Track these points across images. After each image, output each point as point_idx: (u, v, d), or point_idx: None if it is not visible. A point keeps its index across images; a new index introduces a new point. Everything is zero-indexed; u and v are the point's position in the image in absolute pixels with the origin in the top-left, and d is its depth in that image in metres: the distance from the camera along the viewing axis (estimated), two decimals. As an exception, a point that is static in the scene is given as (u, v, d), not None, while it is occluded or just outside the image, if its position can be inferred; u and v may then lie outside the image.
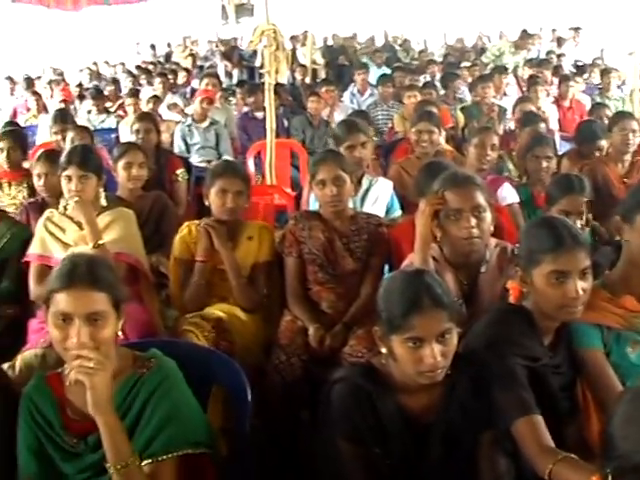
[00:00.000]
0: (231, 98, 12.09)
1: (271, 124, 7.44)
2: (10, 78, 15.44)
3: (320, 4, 13.67)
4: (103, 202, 4.63)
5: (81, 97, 12.75)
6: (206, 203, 4.54)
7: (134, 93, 10.62)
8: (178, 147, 8.65)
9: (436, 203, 3.67)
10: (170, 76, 13.51)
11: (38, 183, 5.48)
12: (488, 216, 3.64)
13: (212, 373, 3.01)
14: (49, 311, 2.63)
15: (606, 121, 7.03)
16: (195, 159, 8.43)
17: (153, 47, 21.45)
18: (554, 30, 18.37)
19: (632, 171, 6.12)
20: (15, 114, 12.77)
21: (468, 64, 14.78)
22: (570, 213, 4.34)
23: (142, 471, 2.52)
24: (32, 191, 6.27)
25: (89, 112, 11.05)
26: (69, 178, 4.52)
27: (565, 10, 18.43)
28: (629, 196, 3.36)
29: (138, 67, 16.79)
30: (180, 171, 6.72)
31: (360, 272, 4.42)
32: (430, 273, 2.84)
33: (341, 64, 16.63)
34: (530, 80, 10.70)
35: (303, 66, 14.22)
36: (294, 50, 15.95)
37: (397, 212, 5.46)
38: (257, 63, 8.21)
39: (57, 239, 4.48)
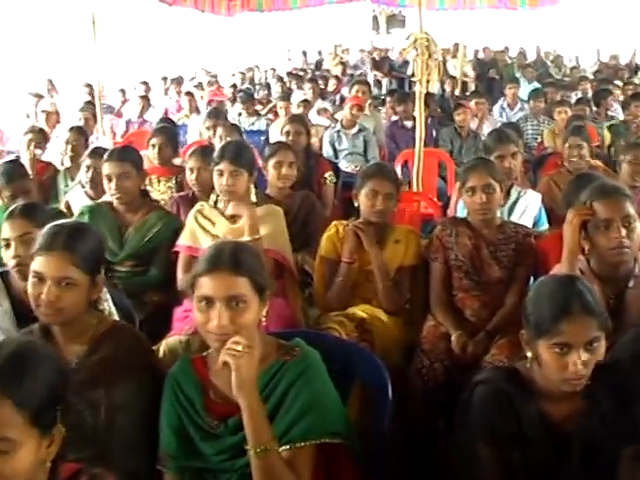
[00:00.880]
0: (380, 107, 12.17)
1: (420, 133, 7.42)
2: (165, 78, 15.86)
3: (472, 17, 13.58)
4: (253, 198, 4.71)
5: (233, 100, 13.04)
6: (355, 204, 4.57)
7: (286, 96, 10.83)
8: (326, 152, 8.71)
9: (584, 214, 3.60)
10: (320, 82, 13.68)
11: (190, 177, 5.63)
12: (638, 227, 3.55)
13: (354, 368, 3.02)
14: (194, 295, 2.68)
15: None
16: (343, 165, 8.46)
17: (304, 54, 21.75)
18: None
19: None
20: (166, 113, 13.11)
21: (621, 83, 14.45)
22: None
23: (281, 456, 2.55)
24: (180, 187, 6.45)
25: (239, 114, 11.33)
26: (221, 172, 4.58)
27: None
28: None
29: (289, 73, 17.05)
30: (328, 174, 6.77)
31: (505, 281, 4.37)
32: (581, 280, 2.80)
33: (491, 77, 16.52)
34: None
35: (453, 78, 14.14)
36: (444, 62, 15.89)
37: (544, 225, 5.40)
38: (409, 72, 8.17)
39: (207, 231, 4.58)
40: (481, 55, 19.40)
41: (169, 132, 7.12)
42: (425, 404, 4.02)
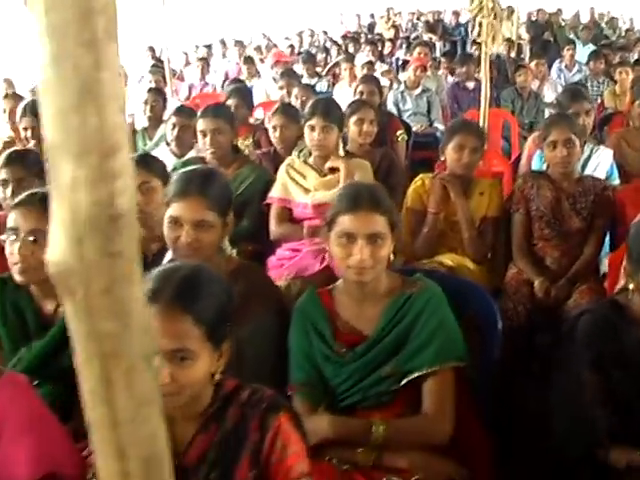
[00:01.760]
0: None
1: (486, 93, 7.55)
2: (223, 42, 16.08)
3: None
4: (341, 152, 4.93)
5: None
6: (441, 158, 4.78)
7: (350, 58, 10.99)
8: (390, 112, 8.87)
9: None
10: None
11: (274, 135, 5.84)
12: None
13: (464, 302, 3.20)
14: (332, 231, 2.89)
15: None
16: (407, 125, 8.63)
17: (358, 17, 21.83)
18: None
19: None
20: (227, 77, 13.30)
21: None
22: None
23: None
24: (257, 145, 6.68)
25: (301, 76, 11.49)
26: (312, 127, 4.79)
27: None
28: None
29: (344, 36, 17.18)
30: (400, 132, 6.97)
31: (584, 231, 4.55)
32: None
33: (546, 40, 16.54)
34: None
35: (508, 40, 14.21)
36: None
37: (616, 180, 5.53)
38: (474, 33, 8.29)
39: (298, 184, 4.81)
40: (534, 17, 19.38)
41: (243, 92, 7.38)
42: (508, 343, 4.25)
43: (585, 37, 15.42)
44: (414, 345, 2.83)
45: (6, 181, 4.13)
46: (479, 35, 7.88)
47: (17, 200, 2.99)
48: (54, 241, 0.82)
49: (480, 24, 7.64)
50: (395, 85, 9.83)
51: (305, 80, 11.23)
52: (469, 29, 15.97)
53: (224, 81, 11.93)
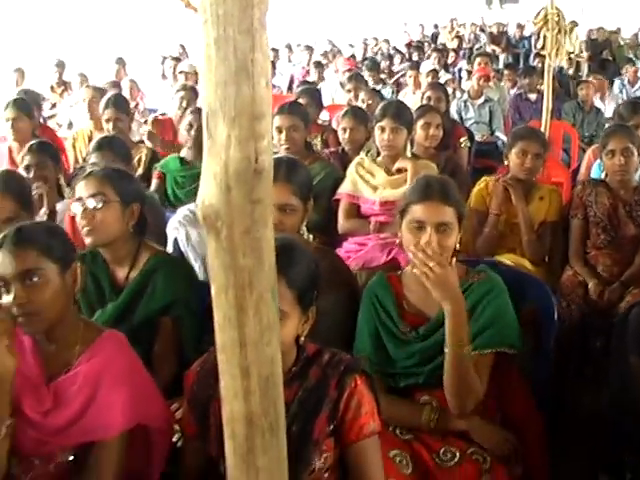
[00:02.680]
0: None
1: (548, 105, 7.72)
2: (289, 46, 16.36)
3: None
4: (408, 154, 5.17)
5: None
6: (505, 162, 5.00)
7: (415, 66, 11.22)
8: (452, 121, 9.08)
9: None
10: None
11: (343, 136, 6.07)
12: None
13: (525, 294, 3.42)
14: (404, 219, 3.12)
15: None
16: (468, 133, 8.83)
17: (422, 27, 22.02)
18: None
19: None
20: (292, 80, 13.55)
21: None
22: None
23: (471, 358, 2.94)
24: (325, 144, 6.93)
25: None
26: (383, 129, 5.04)
27: None
28: None
29: (408, 45, 17.39)
30: (463, 139, 7.17)
31: (638, 239, 4.76)
32: None
33: (605, 58, 16.58)
34: None
35: (570, 54, 14.29)
36: (561, 39, 16.00)
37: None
38: (538, 45, 8.46)
39: (367, 182, 5.06)
40: (594, 36, 19.36)
41: (313, 93, 7.64)
42: (560, 343, 4.45)
43: (644, 57, 15.49)
44: (473, 330, 3.00)
45: (94, 165, 4.44)
46: (543, 48, 8.07)
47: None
48: (205, 188, 1.05)
49: (545, 37, 7.81)
50: (458, 94, 10.04)
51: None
52: (532, 42, 16.07)
53: (289, 84, 12.17)
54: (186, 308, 3.42)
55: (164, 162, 5.86)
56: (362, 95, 7.82)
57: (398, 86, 11.88)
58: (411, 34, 21.66)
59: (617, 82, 12.17)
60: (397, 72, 13.06)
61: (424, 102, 7.15)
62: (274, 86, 12.61)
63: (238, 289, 1.09)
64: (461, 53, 16.53)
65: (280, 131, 5.28)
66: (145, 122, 7.96)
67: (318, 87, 10.59)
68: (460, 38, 19.11)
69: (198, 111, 6.02)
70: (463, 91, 10.16)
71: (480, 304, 3.08)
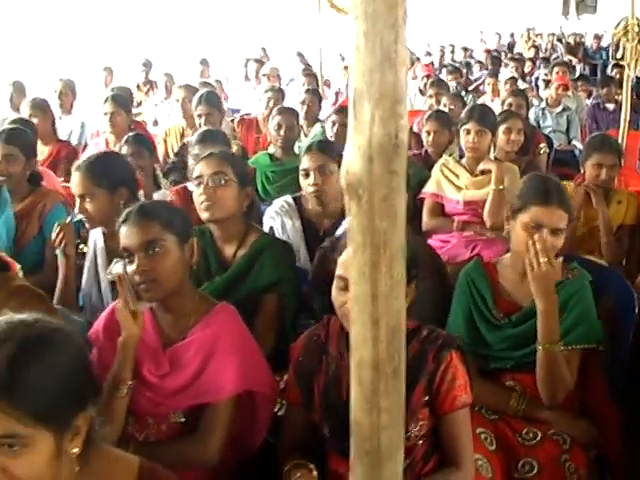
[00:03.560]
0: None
1: (625, 115, 7.79)
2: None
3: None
4: (492, 157, 5.36)
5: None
6: (581, 171, 5.13)
7: (494, 74, 11.35)
8: (528, 128, 9.19)
9: None
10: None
11: (427, 138, 6.30)
12: None
13: (605, 286, 3.54)
14: (518, 216, 3.28)
15: None
16: (544, 142, 8.95)
17: (499, 36, 22.07)
18: None
19: None
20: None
21: None
22: None
23: (561, 354, 3.10)
24: (407, 147, 7.13)
25: (445, 87, 11.90)
26: (468, 131, 5.22)
27: None
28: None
29: (487, 51, 17.47)
30: (543, 145, 7.31)
31: None
32: None
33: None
34: None
35: None
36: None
37: None
38: (618, 55, 8.53)
39: (451, 182, 5.26)
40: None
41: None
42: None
43: None
44: (564, 325, 3.15)
45: (197, 156, 4.70)
46: (622, 58, 8.13)
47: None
48: (351, 159, 1.23)
49: (624, 47, 7.87)
50: (535, 102, 10.15)
51: (450, 92, 11.65)
52: (610, 53, 16.03)
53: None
54: (290, 287, 3.67)
55: (255, 158, 6.12)
56: (444, 100, 7.98)
57: (476, 93, 12.00)
58: (487, 42, 21.74)
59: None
60: (475, 79, 13.18)
61: (505, 108, 7.31)
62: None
63: (374, 248, 1.20)
64: (537, 62, 16.53)
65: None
66: (232, 121, 8.21)
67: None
68: (537, 48, 19.13)
69: (286, 111, 6.29)
70: (541, 99, 10.27)
71: (571, 300, 3.23)
